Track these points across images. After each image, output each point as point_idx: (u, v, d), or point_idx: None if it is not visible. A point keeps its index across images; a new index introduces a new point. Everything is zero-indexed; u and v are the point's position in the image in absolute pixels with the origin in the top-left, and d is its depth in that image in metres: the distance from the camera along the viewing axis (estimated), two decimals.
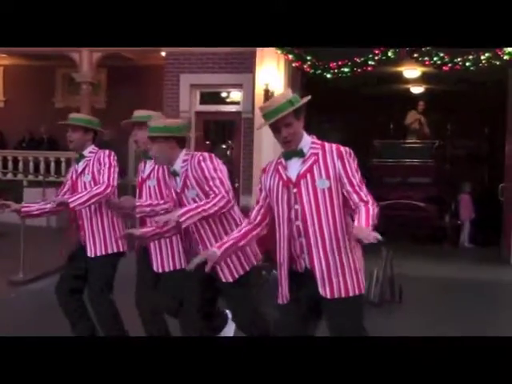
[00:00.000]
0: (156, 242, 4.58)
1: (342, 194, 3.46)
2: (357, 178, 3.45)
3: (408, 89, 14.40)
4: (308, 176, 3.47)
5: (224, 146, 11.59)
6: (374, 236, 3.10)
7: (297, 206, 3.48)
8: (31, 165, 14.48)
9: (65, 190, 5.06)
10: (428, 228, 12.41)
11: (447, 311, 7.09)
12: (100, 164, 4.90)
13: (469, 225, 12.30)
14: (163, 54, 12.80)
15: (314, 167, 3.46)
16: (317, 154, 3.48)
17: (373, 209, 3.36)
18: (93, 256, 4.93)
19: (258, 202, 3.75)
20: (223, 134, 12.76)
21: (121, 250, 5.01)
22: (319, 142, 3.56)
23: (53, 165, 14.33)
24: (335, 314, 3.52)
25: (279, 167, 3.58)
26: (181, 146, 4.18)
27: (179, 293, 4.54)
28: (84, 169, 4.96)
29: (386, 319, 6.46)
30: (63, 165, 14.29)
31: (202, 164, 4.06)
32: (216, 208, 3.93)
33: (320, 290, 3.47)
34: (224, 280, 4.09)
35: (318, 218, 3.44)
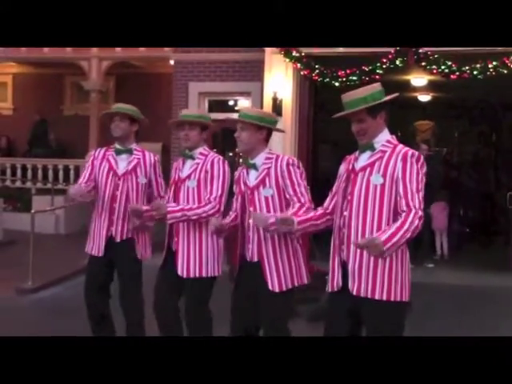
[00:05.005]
0: (185, 246, 4.54)
1: (396, 195, 3.39)
2: (414, 184, 3.35)
3: (416, 97, 14.40)
4: (367, 170, 3.47)
5: (231, 154, 11.59)
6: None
7: (349, 197, 3.50)
8: (40, 172, 14.52)
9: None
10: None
11: (448, 317, 7.08)
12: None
13: (444, 235, 11.17)
14: (172, 62, 12.85)
15: (376, 163, 3.45)
16: (384, 152, 3.47)
17: (411, 220, 3.26)
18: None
19: (332, 191, 3.77)
20: (231, 141, 12.71)
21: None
22: (395, 142, 3.53)
23: (61, 172, 14.36)
24: (362, 313, 3.47)
25: (352, 157, 3.61)
26: (267, 140, 4.18)
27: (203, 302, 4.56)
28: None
29: None
30: (72, 172, 14.33)
31: (291, 167, 4.04)
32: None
33: (349, 284, 3.45)
34: (271, 288, 3.98)
35: (364, 213, 3.42)
